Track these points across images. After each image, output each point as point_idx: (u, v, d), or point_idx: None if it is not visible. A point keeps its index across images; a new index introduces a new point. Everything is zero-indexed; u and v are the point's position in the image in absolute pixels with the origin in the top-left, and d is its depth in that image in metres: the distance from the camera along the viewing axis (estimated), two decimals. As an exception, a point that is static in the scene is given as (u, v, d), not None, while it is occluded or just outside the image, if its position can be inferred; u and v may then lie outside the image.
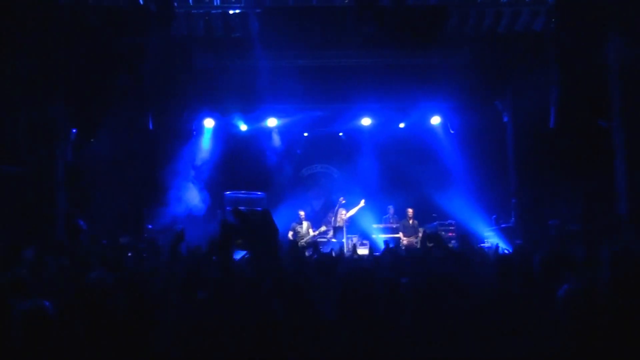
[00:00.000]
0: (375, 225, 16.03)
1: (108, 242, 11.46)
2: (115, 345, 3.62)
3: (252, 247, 2.37)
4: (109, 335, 3.69)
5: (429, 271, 4.78)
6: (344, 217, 15.43)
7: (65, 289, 4.97)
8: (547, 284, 4.30)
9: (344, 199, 15.74)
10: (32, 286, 5.29)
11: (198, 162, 15.86)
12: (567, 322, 3.27)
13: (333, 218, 15.55)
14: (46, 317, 3.64)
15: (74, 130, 13.36)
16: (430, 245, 8.28)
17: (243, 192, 14.63)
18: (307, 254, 9.61)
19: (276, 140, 17.24)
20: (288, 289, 2.27)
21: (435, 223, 15.28)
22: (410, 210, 15.90)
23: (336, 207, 15.68)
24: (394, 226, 15.98)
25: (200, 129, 16.59)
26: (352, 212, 15.63)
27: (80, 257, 7.90)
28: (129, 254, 9.25)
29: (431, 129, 17.31)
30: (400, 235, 15.42)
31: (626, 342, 3.21)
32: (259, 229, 2.34)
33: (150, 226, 14.25)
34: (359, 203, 15.66)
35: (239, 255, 7.47)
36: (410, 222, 15.80)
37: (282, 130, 17.29)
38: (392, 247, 9.94)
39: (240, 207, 2.28)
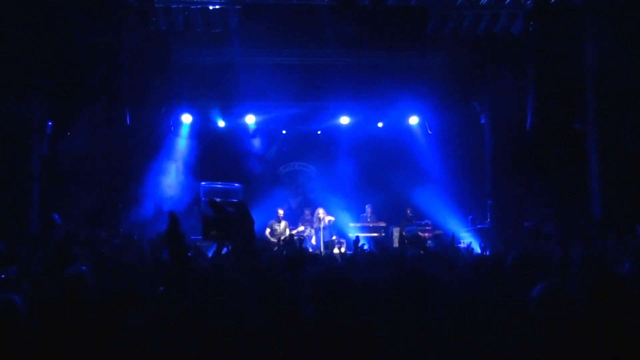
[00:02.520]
0: (352, 224, 16.04)
1: (84, 237, 11.35)
2: (90, 341, 3.59)
3: (227, 238, 2.36)
4: (83, 330, 3.66)
5: (406, 270, 4.81)
6: (321, 217, 15.45)
7: (40, 282, 4.93)
8: (519, 284, 4.34)
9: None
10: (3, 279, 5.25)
11: (175, 158, 15.77)
12: (541, 321, 3.32)
13: (316, 219, 15.61)
14: (15, 312, 3.60)
15: (50, 124, 13.21)
16: (410, 247, 8.36)
17: (219, 183, 14.47)
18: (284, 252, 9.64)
19: (256, 141, 17.22)
20: (265, 284, 2.27)
21: (414, 227, 15.33)
22: (408, 210, 16.05)
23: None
24: (371, 225, 16.03)
25: (177, 124, 16.49)
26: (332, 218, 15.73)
27: (55, 251, 7.83)
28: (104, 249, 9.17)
29: (409, 129, 17.37)
30: None
31: (596, 342, 3.26)
32: (235, 221, 2.32)
33: (126, 221, 14.13)
34: (339, 205, 15.81)
35: (211, 250, 7.44)
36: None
37: (260, 127, 17.26)
38: (363, 246, 10.00)
39: (215, 198, 2.27)
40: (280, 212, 15.56)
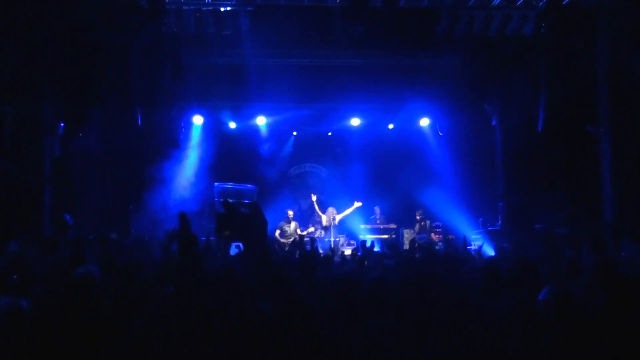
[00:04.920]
0: (362, 226, 16.03)
1: (95, 237, 11.38)
2: (100, 341, 3.60)
3: (240, 239, 2.36)
4: (93, 330, 3.67)
5: (415, 272, 4.79)
6: (333, 216, 15.43)
7: (51, 283, 4.94)
8: (520, 287, 4.33)
9: (315, 195, 15.94)
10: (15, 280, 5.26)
11: (186, 159, 15.81)
12: (547, 323, 3.30)
13: (324, 217, 15.58)
14: (21, 316, 3.64)
15: (62, 125, 13.27)
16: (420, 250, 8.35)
17: (233, 183, 14.52)
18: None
19: (267, 144, 17.28)
20: (277, 285, 2.27)
21: (424, 235, 15.29)
22: (417, 213, 16.07)
23: (316, 207, 15.91)
24: (381, 227, 16.01)
25: (189, 125, 16.55)
26: (345, 213, 15.66)
27: (67, 251, 7.85)
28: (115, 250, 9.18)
29: (420, 131, 17.37)
30: None
31: (602, 345, 3.24)
32: (248, 221, 2.31)
33: (136, 222, 14.18)
34: (350, 204, 15.69)
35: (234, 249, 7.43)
36: (423, 223, 15.93)
37: (271, 128, 17.29)
38: (369, 247, 10.01)
39: (229, 199, 2.25)
40: (290, 213, 15.55)
